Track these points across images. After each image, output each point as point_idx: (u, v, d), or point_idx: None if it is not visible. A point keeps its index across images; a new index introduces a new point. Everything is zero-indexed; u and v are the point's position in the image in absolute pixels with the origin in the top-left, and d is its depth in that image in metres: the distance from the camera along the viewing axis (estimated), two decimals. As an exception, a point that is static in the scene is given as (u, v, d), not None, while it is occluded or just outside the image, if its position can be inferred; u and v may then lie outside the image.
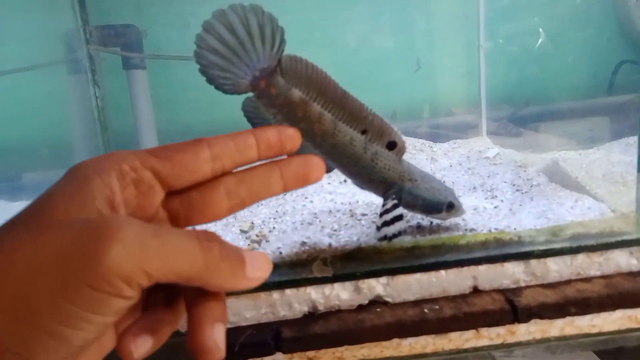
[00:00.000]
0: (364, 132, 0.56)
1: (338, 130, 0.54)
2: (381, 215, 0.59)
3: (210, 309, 0.28)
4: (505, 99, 1.21)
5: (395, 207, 0.59)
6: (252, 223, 0.68)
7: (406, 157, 0.92)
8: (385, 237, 0.59)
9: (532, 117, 1.15)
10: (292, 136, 0.38)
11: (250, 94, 0.48)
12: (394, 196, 0.59)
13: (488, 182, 0.83)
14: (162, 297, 0.31)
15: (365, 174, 0.58)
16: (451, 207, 0.60)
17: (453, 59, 1.29)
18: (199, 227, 0.33)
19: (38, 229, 0.25)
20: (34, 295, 0.23)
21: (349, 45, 1.27)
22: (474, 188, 0.82)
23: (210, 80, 0.44)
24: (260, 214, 0.70)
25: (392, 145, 0.58)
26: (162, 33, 1.15)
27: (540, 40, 1.21)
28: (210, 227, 0.70)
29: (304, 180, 0.38)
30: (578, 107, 1.22)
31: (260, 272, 0.29)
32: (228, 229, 0.68)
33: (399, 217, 0.59)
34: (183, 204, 0.33)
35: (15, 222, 0.26)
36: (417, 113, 1.28)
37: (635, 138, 0.93)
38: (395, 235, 0.59)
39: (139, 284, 0.24)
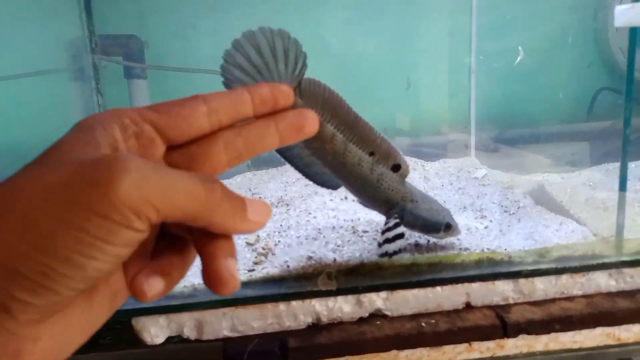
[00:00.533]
0: (371, 154, 0.60)
1: (348, 151, 0.58)
2: (383, 232, 0.63)
3: (220, 246, 0.29)
4: (492, 120, 1.27)
5: (396, 225, 0.63)
6: (258, 236, 0.71)
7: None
8: (386, 254, 0.63)
9: (516, 139, 1.20)
10: (285, 92, 0.38)
11: None
12: (396, 215, 0.63)
13: (477, 202, 0.87)
14: (170, 243, 0.32)
15: (370, 193, 0.62)
16: (448, 227, 0.64)
17: (443, 78, 1.34)
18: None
19: (47, 165, 0.26)
20: (44, 221, 0.23)
21: (343, 60, 1.32)
22: (465, 207, 0.86)
23: None
24: (265, 227, 0.73)
25: (396, 168, 0.62)
26: (162, 43, 1.18)
27: (519, 58, 1.26)
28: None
29: (299, 132, 0.38)
30: (560, 130, 1.28)
31: (260, 216, 0.30)
32: (235, 241, 0.71)
33: (400, 235, 0.63)
34: (183, 157, 0.33)
35: (26, 166, 0.27)
36: (407, 130, 1.32)
37: (614, 165, 0.99)
38: (395, 252, 0.63)
39: (148, 217, 0.25)
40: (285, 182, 0.87)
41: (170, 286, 0.30)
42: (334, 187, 0.64)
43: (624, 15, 0.60)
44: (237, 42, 0.47)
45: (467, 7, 1.18)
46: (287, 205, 0.80)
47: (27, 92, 1.02)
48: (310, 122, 0.39)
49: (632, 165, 0.92)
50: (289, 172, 0.89)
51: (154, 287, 0.28)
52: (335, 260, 0.63)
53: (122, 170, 0.24)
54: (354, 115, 0.58)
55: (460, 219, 0.82)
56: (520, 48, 1.28)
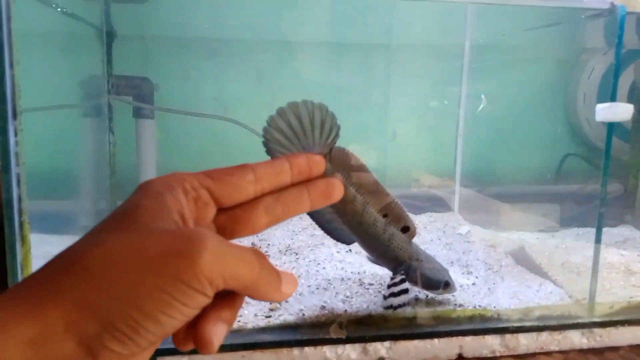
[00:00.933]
0: (385, 215, 0.68)
1: (366, 212, 0.66)
2: (389, 287, 0.71)
3: (221, 310, 0.33)
4: (472, 177, 1.37)
5: (402, 281, 0.71)
6: (271, 283, 0.77)
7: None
8: (391, 307, 0.70)
9: (493, 196, 1.31)
10: (318, 162, 0.44)
11: None
12: (402, 272, 0.71)
13: (463, 258, 0.96)
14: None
15: (381, 251, 0.70)
16: (447, 285, 0.72)
17: (428, 132, 1.44)
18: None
19: (140, 233, 0.30)
20: (141, 284, 0.28)
21: (337, 113, 1.40)
22: (452, 263, 0.94)
23: (269, 152, 0.54)
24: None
25: (405, 229, 0.70)
26: (169, 86, 1.24)
27: (481, 106, 1.37)
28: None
29: (327, 199, 0.43)
30: (531, 191, 1.40)
31: (290, 289, 0.36)
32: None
33: (405, 291, 0.71)
34: (229, 219, 0.38)
35: (109, 227, 0.31)
36: (390, 182, 1.41)
37: (583, 230, 1.10)
38: (400, 306, 0.70)
39: (217, 285, 0.30)
40: (292, 231, 0.94)
41: (230, 325, 0.34)
42: (348, 243, 0.71)
43: (603, 112, 0.70)
44: (282, 110, 0.54)
45: (458, 71, 1.28)
46: (296, 254, 0.86)
47: (42, 125, 1.06)
48: (337, 190, 0.45)
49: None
50: (295, 221, 0.96)
51: (220, 334, 0.33)
52: (346, 311, 0.70)
53: (203, 246, 0.30)
54: (374, 181, 0.66)
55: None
56: (482, 96, 1.38)
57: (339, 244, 0.89)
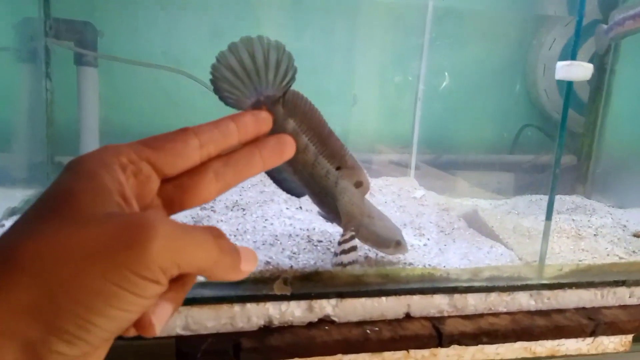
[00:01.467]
0: (338, 168, 0.64)
1: (317, 163, 0.62)
2: (340, 243, 0.68)
3: (167, 292, 0.31)
4: (429, 144, 1.35)
5: (352, 238, 0.68)
6: (214, 238, 0.73)
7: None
8: (341, 264, 0.67)
9: (449, 164, 1.30)
10: (265, 119, 0.42)
11: None
12: (352, 228, 0.68)
13: (416, 221, 0.94)
14: None
15: (332, 205, 0.66)
16: (398, 244, 0.70)
17: (389, 99, 1.41)
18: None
19: (78, 222, 0.27)
20: (89, 280, 0.26)
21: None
22: (405, 225, 0.92)
23: (216, 90, 0.51)
24: (220, 229, 0.75)
25: (358, 184, 0.67)
26: (115, 34, 1.16)
27: (444, 83, 1.36)
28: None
29: (280, 158, 0.41)
30: (487, 160, 1.39)
31: (250, 266, 0.34)
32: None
33: (354, 248, 0.68)
34: (176, 190, 0.35)
35: (42, 216, 0.28)
36: (350, 146, 1.38)
37: (537, 197, 1.10)
38: (350, 263, 0.68)
39: (172, 273, 0.28)
40: (240, 187, 0.89)
41: (174, 310, 0.32)
42: (299, 195, 0.68)
43: (563, 70, 0.68)
44: (234, 45, 0.50)
45: (421, 32, 1.25)
46: (244, 210, 0.82)
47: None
48: (289, 147, 0.43)
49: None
50: (244, 178, 0.91)
51: (162, 315, 0.31)
52: (292, 267, 0.67)
53: (154, 234, 0.27)
54: (328, 131, 0.63)
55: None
56: (446, 73, 1.37)
57: (289, 200, 0.85)
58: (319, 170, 0.63)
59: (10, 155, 1.00)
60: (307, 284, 0.67)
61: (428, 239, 0.87)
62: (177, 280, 0.31)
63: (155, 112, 1.23)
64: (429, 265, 0.73)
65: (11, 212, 0.80)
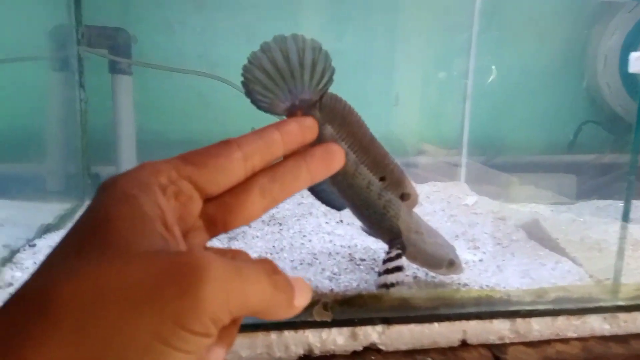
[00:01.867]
0: (382, 179, 0.58)
1: (358, 173, 0.56)
2: (384, 262, 0.61)
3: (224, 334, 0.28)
4: (481, 145, 1.26)
5: (398, 257, 0.61)
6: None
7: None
8: (384, 285, 0.60)
9: (503, 166, 1.20)
10: (311, 127, 0.39)
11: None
12: (398, 246, 0.61)
13: (469, 232, 0.86)
14: None
15: (375, 220, 0.60)
16: (451, 264, 0.62)
17: (435, 98, 1.33)
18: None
19: (120, 257, 0.24)
20: (136, 336, 0.22)
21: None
22: (457, 236, 0.85)
23: (248, 93, 0.47)
24: (255, 246, 0.70)
25: (405, 197, 0.60)
26: (149, 39, 1.13)
27: (491, 78, 1.27)
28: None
29: (328, 169, 0.39)
30: (544, 161, 1.29)
31: (304, 300, 0.30)
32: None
33: (400, 268, 0.61)
34: (219, 209, 0.32)
35: (79, 248, 0.25)
36: (393, 149, 1.30)
37: (604, 202, 0.99)
38: (393, 285, 0.61)
39: (223, 322, 0.25)
40: (277, 199, 0.84)
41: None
42: (339, 208, 0.61)
43: (639, 62, 0.59)
44: (266, 45, 0.46)
45: (469, 28, 1.17)
46: (280, 224, 0.76)
47: (5, 78, 0.95)
48: (338, 157, 0.39)
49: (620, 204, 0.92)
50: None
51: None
52: (332, 289, 0.60)
53: (206, 277, 0.23)
54: (370, 137, 0.56)
55: (453, 248, 0.81)
56: (493, 67, 1.28)
57: (328, 213, 0.79)
58: (360, 181, 0.57)
59: (45, 165, 0.99)
60: (350, 308, 0.61)
61: (484, 253, 0.79)
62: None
63: (191, 116, 1.19)
64: (487, 285, 0.65)
65: (44, 230, 0.77)
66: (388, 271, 0.61)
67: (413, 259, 0.62)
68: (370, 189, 0.58)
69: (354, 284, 0.62)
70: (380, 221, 0.60)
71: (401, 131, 1.36)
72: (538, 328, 0.64)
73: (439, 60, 1.30)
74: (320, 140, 0.54)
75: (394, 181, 0.59)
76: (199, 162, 0.31)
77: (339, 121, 0.54)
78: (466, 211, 0.94)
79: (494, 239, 0.83)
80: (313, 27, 1.28)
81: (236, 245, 0.70)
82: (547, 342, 0.65)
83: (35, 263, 0.65)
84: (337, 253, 0.69)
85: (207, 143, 0.35)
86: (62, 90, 0.98)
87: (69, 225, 0.77)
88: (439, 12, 1.28)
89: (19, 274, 0.63)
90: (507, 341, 0.64)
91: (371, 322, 0.61)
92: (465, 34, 1.21)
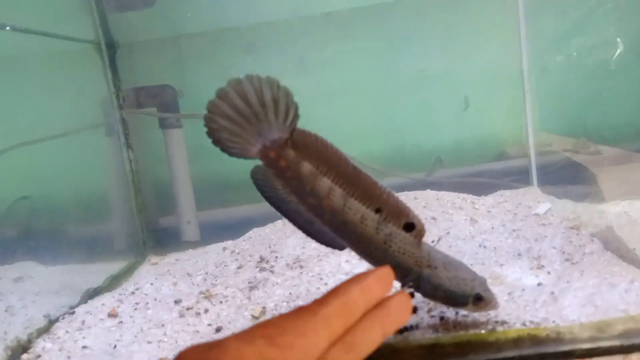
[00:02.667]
0: (377, 210, 0.51)
1: (348, 207, 0.51)
2: None
3: None
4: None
5: (411, 296, 0.53)
6: (264, 308, 0.63)
7: (443, 217, 0.84)
8: (397, 330, 0.53)
9: (590, 161, 1.04)
10: (387, 279, 0.42)
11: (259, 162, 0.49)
12: (410, 284, 0.53)
13: (535, 248, 0.74)
14: None
15: (378, 257, 0.53)
16: (479, 299, 0.53)
17: (502, 96, 1.20)
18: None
19: None
20: None
21: (392, 89, 1.22)
22: (519, 255, 0.73)
23: (216, 142, 0.46)
24: (274, 295, 0.66)
25: (409, 227, 0.52)
26: (197, 90, 1.16)
27: (618, 51, 1.10)
28: (224, 308, 0.66)
29: (399, 324, 0.40)
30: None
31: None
32: (240, 313, 0.64)
33: (413, 309, 0.53)
34: None
35: None
36: (465, 158, 1.19)
37: None
38: (407, 329, 0.54)
39: None
40: (305, 238, 0.79)
41: None
42: (340, 248, 0.55)
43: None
44: (222, 91, 0.45)
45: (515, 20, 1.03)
46: (302, 267, 0.71)
47: (63, 150, 1.03)
48: (409, 312, 0.42)
49: None
50: (312, 225, 0.81)
51: None
52: (338, 342, 0.54)
53: None
54: (353, 168, 0.51)
55: (512, 270, 0.70)
56: (618, 40, 1.12)
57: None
58: (351, 216, 0.51)
59: (107, 227, 1.04)
60: (363, 362, 0.54)
61: (548, 273, 0.67)
62: None
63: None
64: (531, 322, 0.54)
65: (91, 294, 0.80)
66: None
67: (432, 297, 0.54)
68: (366, 224, 0.51)
69: (367, 333, 0.55)
70: (384, 258, 0.53)
71: (474, 136, 1.24)
72: (604, 370, 0.52)
73: (499, 55, 1.17)
74: (300, 178, 0.50)
75: (392, 211, 0.52)
76: (285, 345, 0.30)
77: (315, 156, 0.50)
78: (534, 222, 0.81)
79: (563, 254, 0.71)
80: (364, 43, 1.23)
81: (256, 294, 0.67)
82: (620, 387, 0.52)
83: (67, 332, 0.67)
84: (353, 297, 0.62)
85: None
86: (116, 153, 1.04)
87: (124, 284, 0.80)
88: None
89: (50, 344, 0.65)
90: (565, 389, 0.52)
91: (389, 376, 0.53)
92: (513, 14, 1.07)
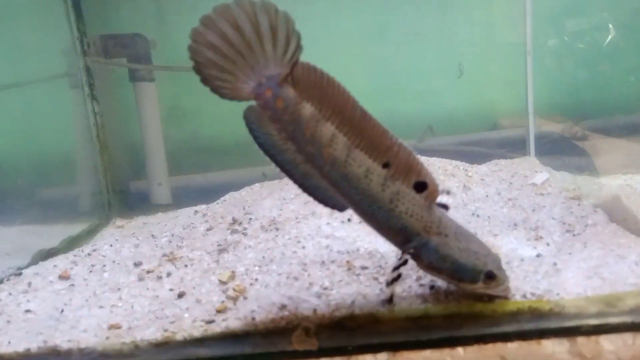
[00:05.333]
0: (385, 165, 0.44)
1: (352, 159, 0.44)
2: (393, 270, 0.47)
3: None
4: (558, 110, 1.04)
5: (404, 263, 0.46)
6: (233, 272, 0.57)
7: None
8: (391, 299, 0.47)
9: (590, 131, 0.98)
10: None
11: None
12: (411, 250, 0.46)
13: (532, 218, 0.68)
14: None
15: (382, 218, 0.46)
16: (490, 277, 0.46)
17: (500, 64, 1.13)
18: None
19: None
20: None
21: (383, 51, 1.15)
22: (515, 225, 0.67)
23: (205, 80, 0.41)
24: (245, 259, 0.59)
25: (420, 187, 0.45)
26: (173, 41, 1.07)
27: (610, 37, 1.05)
28: (189, 272, 0.59)
29: None
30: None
31: None
32: (206, 277, 0.57)
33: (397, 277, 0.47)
34: None
35: None
36: (458, 127, 1.13)
37: None
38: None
39: None
40: (282, 199, 0.72)
41: None
42: (339, 208, 0.48)
43: None
44: (207, 18, 0.40)
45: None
46: (277, 229, 0.65)
47: (23, 101, 0.94)
48: None
49: None
50: (290, 186, 0.73)
51: None
52: (315, 310, 0.48)
53: None
54: (361, 112, 0.44)
55: (506, 241, 0.64)
56: (610, 25, 1.06)
57: (334, 213, 0.66)
58: (354, 170, 0.44)
59: (68, 186, 0.96)
60: (341, 333, 0.47)
61: (547, 244, 0.61)
62: None
63: (224, 121, 1.12)
64: (532, 294, 0.48)
65: (44, 256, 0.72)
66: (394, 281, 0.47)
67: (435, 270, 0.47)
68: (370, 179, 0.44)
69: (348, 301, 0.49)
70: (388, 219, 0.46)
71: (469, 104, 1.17)
72: (612, 349, 0.46)
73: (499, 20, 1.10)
74: (299, 123, 0.42)
75: (402, 167, 0.45)
76: None
77: (319, 96, 0.43)
78: (531, 192, 0.75)
79: (563, 225, 0.65)
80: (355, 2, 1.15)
81: (226, 257, 0.60)
82: (629, 367, 0.46)
83: (10, 295, 0.60)
84: (332, 261, 0.55)
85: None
86: (81, 107, 0.95)
87: (77, 248, 0.73)
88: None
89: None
90: (568, 368, 0.47)
91: (372, 349, 0.47)
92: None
